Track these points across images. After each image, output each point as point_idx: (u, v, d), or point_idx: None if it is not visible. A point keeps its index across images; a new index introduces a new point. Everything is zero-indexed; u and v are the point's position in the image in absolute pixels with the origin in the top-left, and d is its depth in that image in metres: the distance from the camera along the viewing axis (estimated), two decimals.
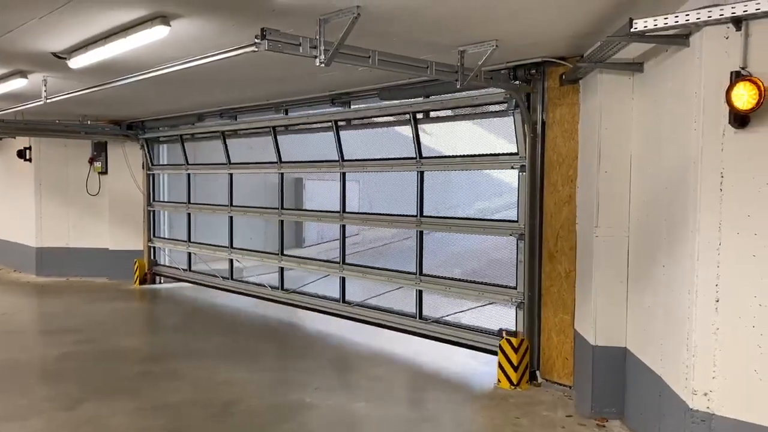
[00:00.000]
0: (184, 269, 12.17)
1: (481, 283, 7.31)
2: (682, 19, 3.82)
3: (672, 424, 4.29)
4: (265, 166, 10.63)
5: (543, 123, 6.50)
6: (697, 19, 3.75)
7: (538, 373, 6.63)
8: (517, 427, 5.51)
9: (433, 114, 7.88)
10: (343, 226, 9.13)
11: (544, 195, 6.55)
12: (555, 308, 6.46)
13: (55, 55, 6.10)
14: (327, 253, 15.91)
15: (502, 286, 7.03)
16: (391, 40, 5.41)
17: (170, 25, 4.89)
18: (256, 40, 4.31)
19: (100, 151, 13.01)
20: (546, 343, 6.57)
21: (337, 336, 8.67)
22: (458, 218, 7.83)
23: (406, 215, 8.17)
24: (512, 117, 6.72)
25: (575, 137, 6.21)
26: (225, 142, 11.05)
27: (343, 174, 9.12)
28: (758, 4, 3.53)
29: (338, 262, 9.15)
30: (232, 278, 11.23)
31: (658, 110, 4.78)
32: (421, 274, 7.97)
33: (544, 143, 6.53)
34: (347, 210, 9.13)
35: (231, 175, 11.20)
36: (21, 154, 13.54)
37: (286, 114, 9.81)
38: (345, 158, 9.04)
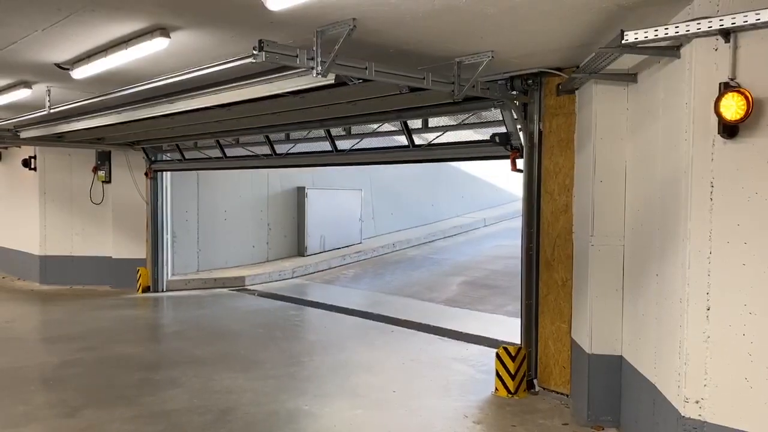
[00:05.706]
0: (179, 159, 12.46)
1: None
2: (671, 32, 3.87)
3: (665, 431, 4.32)
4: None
5: (540, 133, 6.55)
6: (687, 31, 3.81)
7: (535, 381, 6.65)
8: None
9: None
10: None
11: (541, 204, 6.59)
12: (552, 317, 6.49)
13: (58, 65, 6.19)
14: (329, 261, 16.02)
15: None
16: (388, 52, 5.48)
17: (170, 37, 4.97)
18: (254, 52, 4.38)
19: (103, 161, 13.14)
20: (543, 352, 6.59)
21: (336, 343, 8.71)
22: None
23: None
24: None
25: (571, 146, 6.26)
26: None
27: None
28: (746, 16, 3.59)
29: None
30: (225, 157, 11.52)
31: (652, 120, 4.83)
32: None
33: (540, 153, 6.58)
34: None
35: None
36: (26, 163, 13.68)
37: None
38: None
